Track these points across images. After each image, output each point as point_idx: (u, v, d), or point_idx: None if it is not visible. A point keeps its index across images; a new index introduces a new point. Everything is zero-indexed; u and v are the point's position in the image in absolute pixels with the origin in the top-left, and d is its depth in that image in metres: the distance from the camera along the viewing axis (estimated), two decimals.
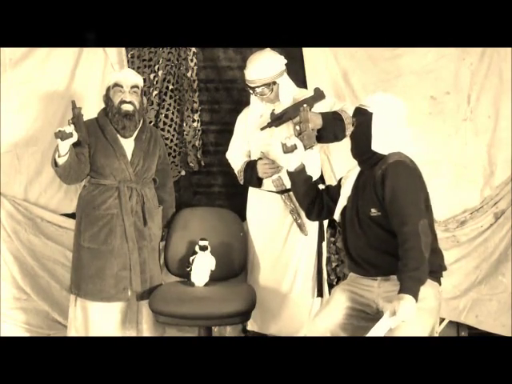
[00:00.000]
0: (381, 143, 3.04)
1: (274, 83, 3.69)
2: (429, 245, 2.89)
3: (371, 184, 3.04)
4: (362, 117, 3.07)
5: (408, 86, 4.10)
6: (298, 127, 3.44)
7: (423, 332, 2.91)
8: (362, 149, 3.10)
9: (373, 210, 3.02)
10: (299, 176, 3.38)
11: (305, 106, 3.49)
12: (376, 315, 2.98)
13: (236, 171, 3.94)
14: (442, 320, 4.23)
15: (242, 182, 3.91)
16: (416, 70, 4.11)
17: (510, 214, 4.18)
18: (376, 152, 3.05)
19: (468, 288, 4.22)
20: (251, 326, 3.93)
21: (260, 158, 3.79)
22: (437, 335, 4.10)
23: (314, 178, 3.59)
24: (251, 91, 3.74)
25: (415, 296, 2.81)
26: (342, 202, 3.20)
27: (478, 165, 4.21)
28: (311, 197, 3.37)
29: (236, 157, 3.95)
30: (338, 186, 3.30)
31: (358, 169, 3.20)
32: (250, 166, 3.82)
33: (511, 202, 4.19)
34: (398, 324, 2.82)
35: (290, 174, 3.41)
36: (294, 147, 3.33)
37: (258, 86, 3.68)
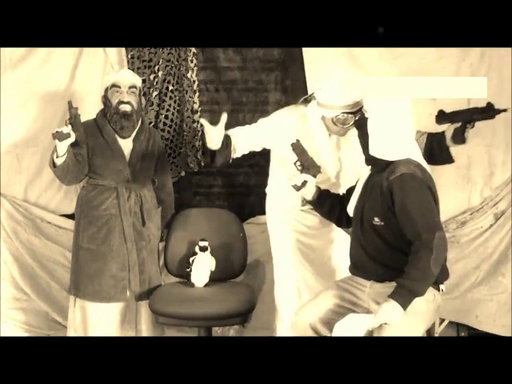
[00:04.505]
0: (379, 149, 3.00)
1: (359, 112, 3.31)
2: (440, 260, 2.86)
3: (377, 192, 3.00)
4: (362, 121, 3.05)
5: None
6: (298, 163, 3.37)
7: (413, 332, 2.90)
8: (365, 153, 3.08)
9: (376, 219, 2.99)
10: (319, 200, 3.33)
11: (295, 141, 3.36)
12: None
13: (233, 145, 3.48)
14: (442, 320, 4.23)
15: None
16: (416, 70, 4.11)
17: (510, 215, 4.18)
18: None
19: (468, 288, 4.22)
20: None
21: None
22: (437, 335, 4.11)
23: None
24: (332, 120, 3.37)
25: (403, 305, 2.79)
26: (353, 201, 3.17)
27: (478, 165, 4.21)
28: (336, 212, 3.33)
29: (250, 136, 3.56)
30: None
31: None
32: None
33: (511, 203, 4.19)
34: (378, 325, 2.83)
35: (309, 202, 3.38)
36: (305, 183, 3.29)
37: (347, 112, 3.31)
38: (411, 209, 2.88)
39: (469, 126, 3.31)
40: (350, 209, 3.19)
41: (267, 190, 3.76)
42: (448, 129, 3.37)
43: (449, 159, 3.40)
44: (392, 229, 2.97)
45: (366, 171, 3.18)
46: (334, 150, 3.52)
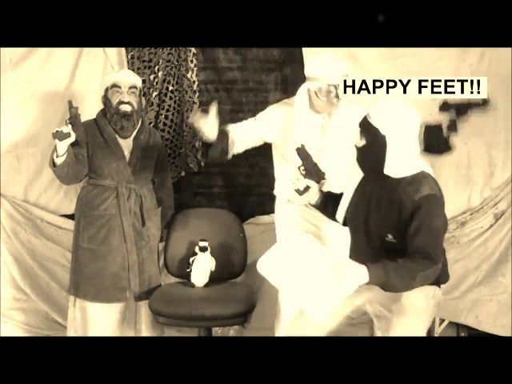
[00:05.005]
0: (396, 169, 2.89)
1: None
2: (423, 282, 2.83)
3: (393, 208, 2.89)
4: (373, 136, 2.88)
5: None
6: (302, 167, 3.34)
7: (417, 329, 2.88)
8: (373, 168, 2.95)
9: (389, 236, 2.90)
10: (322, 204, 3.28)
11: (299, 146, 3.36)
12: (361, 317, 2.98)
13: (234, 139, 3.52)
14: (442, 320, 4.23)
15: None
16: (416, 70, 4.11)
17: (510, 215, 4.19)
18: None
19: (468, 289, 4.22)
20: None
21: None
22: (437, 335, 4.11)
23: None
24: (315, 94, 3.45)
25: (370, 275, 2.74)
26: (344, 205, 3.12)
27: (478, 165, 4.21)
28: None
29: (246, 131, 3.61)
30: None
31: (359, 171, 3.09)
32: None
33: (511, 203, 4.19)
34: (382, 325, 2.82)
35: (313, 206, 3.33)
36: (308, 188, 3.24)
37: (331, 84, 3.42)
38: (432, 231, 2.83)
39: (461, 117, 3.39)
40: (340, 216, 3.14)
41: (275, 192, 3.75)
42: (444, 120, 3.41)
43: (447, 148, 3.42)
44: (404, 244, 2.88)
45: (353, 177, 3.09)
46: (320, 132, 3.54)
